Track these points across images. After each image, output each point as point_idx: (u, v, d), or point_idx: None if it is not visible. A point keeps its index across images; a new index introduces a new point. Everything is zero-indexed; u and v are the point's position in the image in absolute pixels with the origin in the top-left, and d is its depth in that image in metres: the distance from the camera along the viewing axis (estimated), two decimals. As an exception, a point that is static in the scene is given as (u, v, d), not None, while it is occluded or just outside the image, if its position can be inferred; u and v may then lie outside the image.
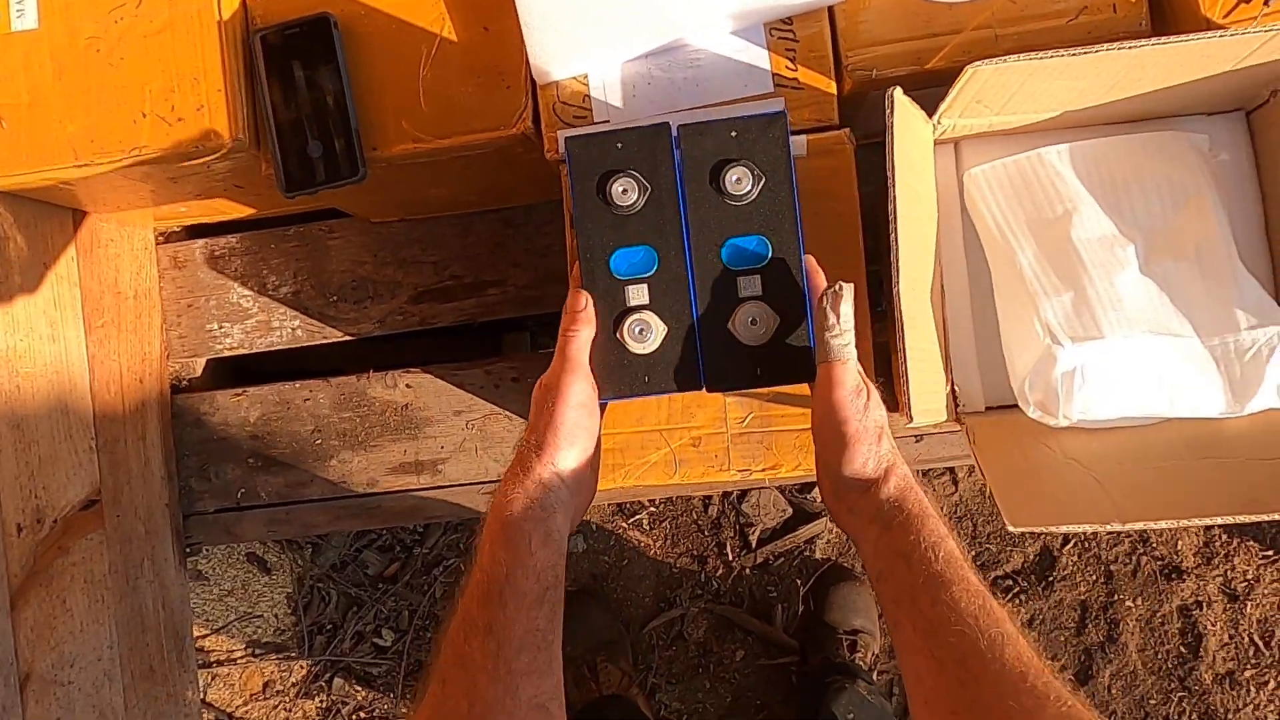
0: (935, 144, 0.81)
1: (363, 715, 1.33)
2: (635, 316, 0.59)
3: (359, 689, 1.33)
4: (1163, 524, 0.64)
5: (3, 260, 0.85)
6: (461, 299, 1.06)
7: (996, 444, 0.74)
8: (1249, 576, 1.28)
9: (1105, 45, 0.64)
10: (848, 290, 0.57)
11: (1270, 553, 1.29)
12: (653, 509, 1.36)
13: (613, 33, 0.77)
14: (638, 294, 0.60)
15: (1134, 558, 1.30)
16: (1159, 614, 1.29)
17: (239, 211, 1.03)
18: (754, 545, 1.35)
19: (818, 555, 1.34)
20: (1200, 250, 0.72)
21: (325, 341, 1.08)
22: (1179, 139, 0.76)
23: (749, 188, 0.59)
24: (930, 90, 0.75)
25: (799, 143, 0.79)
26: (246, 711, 1.32)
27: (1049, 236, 0.74)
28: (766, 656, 1.32)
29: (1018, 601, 1.31)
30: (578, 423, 0.57)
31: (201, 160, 0.82)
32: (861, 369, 0.58)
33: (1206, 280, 0.72)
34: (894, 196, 0.66)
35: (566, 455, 0.57)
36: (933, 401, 0.71)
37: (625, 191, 0.60)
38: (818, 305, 0.57)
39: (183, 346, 1.08)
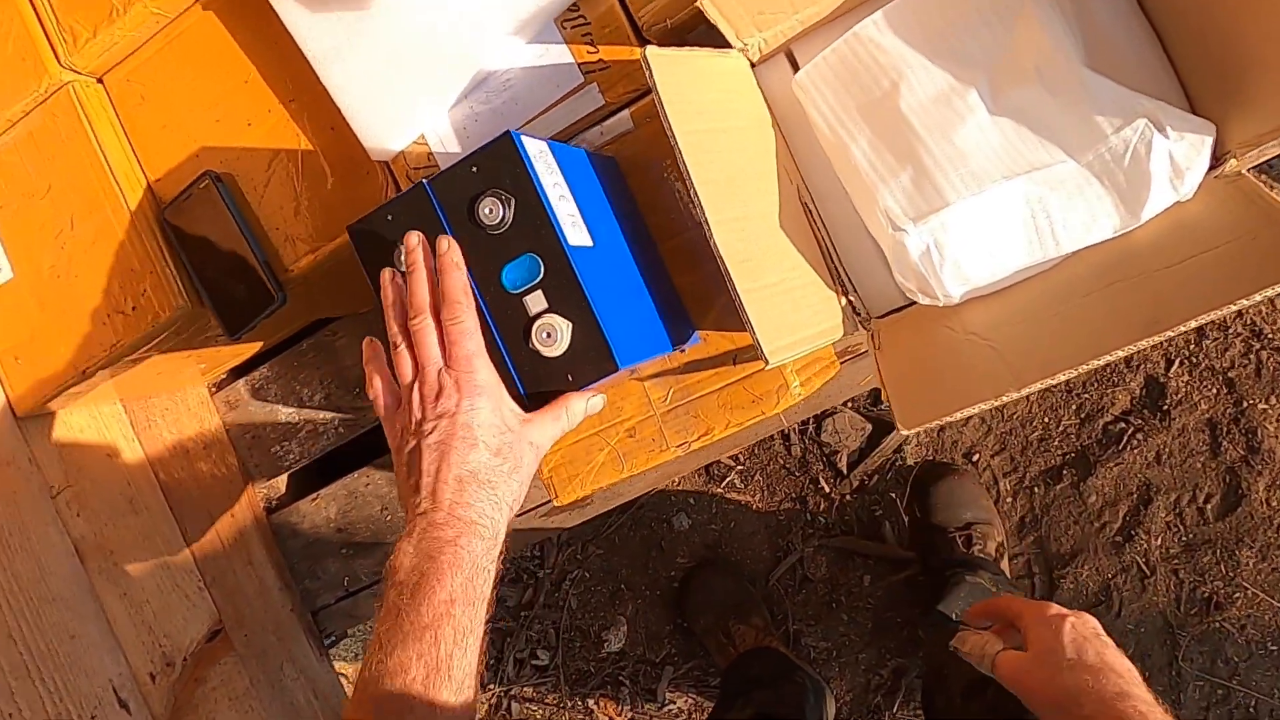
0: (760, 64, 0.78)
1: (546, 730, 1.44)
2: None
3: (534, 708, 1.44)
4: (1062, 376, 0.60)
5: (67, 467, 1.01)
6: (456, 352, 1.13)
7: (900, 341, 0.71)
8: (1396, 333, 1.12)
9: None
10: (958, 642, 0.71)
11: None
12: (740, 467, 1.38)
13: (424, 90, 0.81)
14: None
15: (1251, 356, 1.17)
16: (1300, 406, 1.15)
17: (250, 347, 1.16)
18: (845, 470, 1.33)
19: (909, 461, 1.30)
20: (1041, 68, 0.66)
21: (365, 430, 1.18)
22: (992, -44, 0.69)
23: (503, 214, 0.61)
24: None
25: (622, 119, 0.79)
26: (451, 753, 1.47)
27: (880, 118, 0.70)
28: (892, 574, 1.30)
29: (1137, 443, 1.21)
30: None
31: (164, 335, 0.93)
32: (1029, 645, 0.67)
33: (1057, 98, 0.65)
34: (679, 151, 0.65)
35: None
36: (806, 328, 0.69)
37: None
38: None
39: (260, 473, 1.22)
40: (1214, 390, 1.18)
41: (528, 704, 1.44)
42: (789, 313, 0.68)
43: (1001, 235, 0.66)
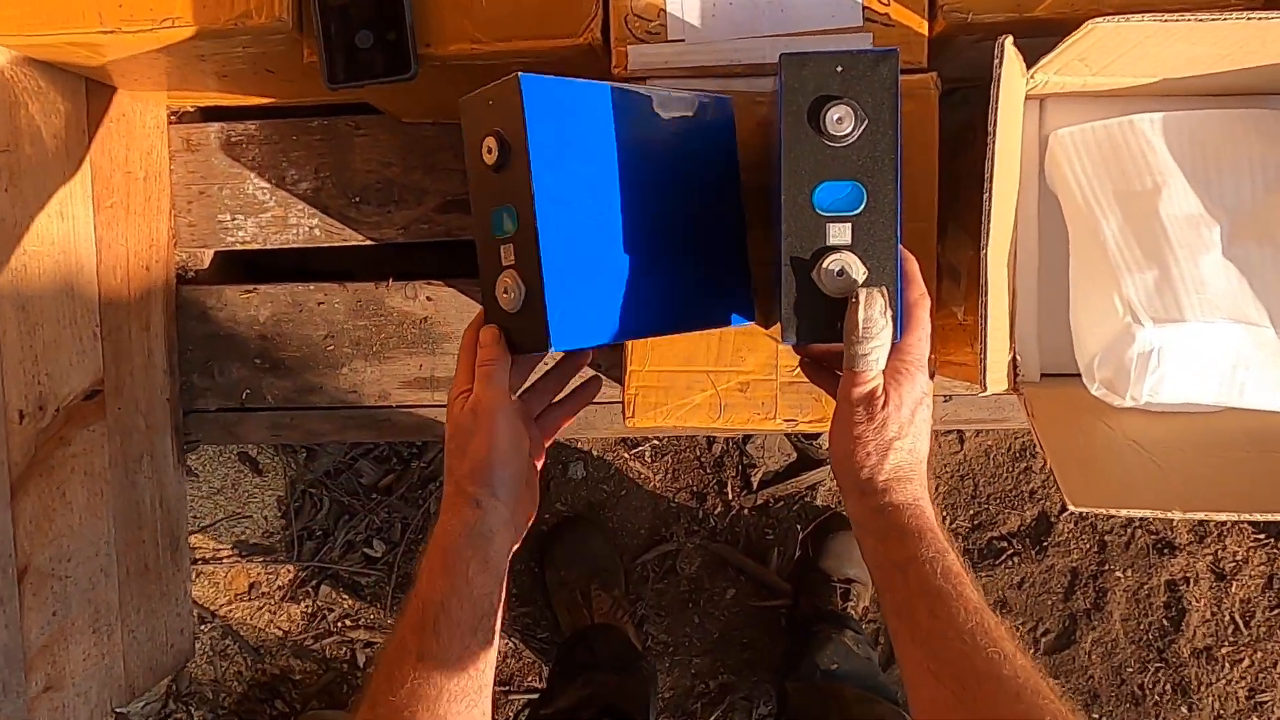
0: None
1: (348, 623, 1.31)
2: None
3: (346, 597, 1.31)
4: (1224, 516, 0.63)
5: (13, 128, 0.79)
6: (491, 212, 1.01)
7: (1055, 418, 0.72)
8: (1238, 557, 1.30)
9: (1237, 14, 0.60)
10: (865, 295, 0.55)
11: (1262, 536, 1.30)
12: (656, 442, 1.34)
13: (698, -57, 0.72)
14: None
15: (1129, 530, 1.31)
16: (1146, 587, 1.31)
17: (262, 97, 0.97)
18: (755, 487, 1.34)
19: (818, 502, 1.33)
20: (1288, 238, 0.70)
21: (345, 244, 1.03)
22: None
23: (849, 129, 0.55)
24: (1022, 42, 0.71)
25: (883, 84, 0.75)
26: (230, 611, 1.30)
27: (1135, 209, 0.71)
28: (757, 597, 1.32)
29: (1010, 564, 1.32)
30: (510, 446, 0.58)
31: (237, 39, 0.76)
32: (891, 381, 0.56)
33: (1289, 270, 0.70)
34: (993, 155, 0.63)
35: (501, 478, 0.57)
36: (999, 370, 0.68)
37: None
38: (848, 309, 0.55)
39: (192, 235, 1.03)
40: (1089, 545, 1.32)
41: (341, 590, 1.31)
42: (998, 349, 0.67)
43: (1205, 369, 0.69)
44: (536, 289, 0.56)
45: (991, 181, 0.62)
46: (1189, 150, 0.73)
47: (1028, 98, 0.77)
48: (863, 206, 0.56)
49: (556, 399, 0.67)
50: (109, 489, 0.91)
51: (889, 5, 0.74)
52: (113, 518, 0.91)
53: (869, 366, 0.55)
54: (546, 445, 0.66)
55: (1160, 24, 0.61)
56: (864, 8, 0.74)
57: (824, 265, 0.56)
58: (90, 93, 0.89)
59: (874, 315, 0.55)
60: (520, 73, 0.55)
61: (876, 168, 0.56)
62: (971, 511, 1.34)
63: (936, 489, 1.33)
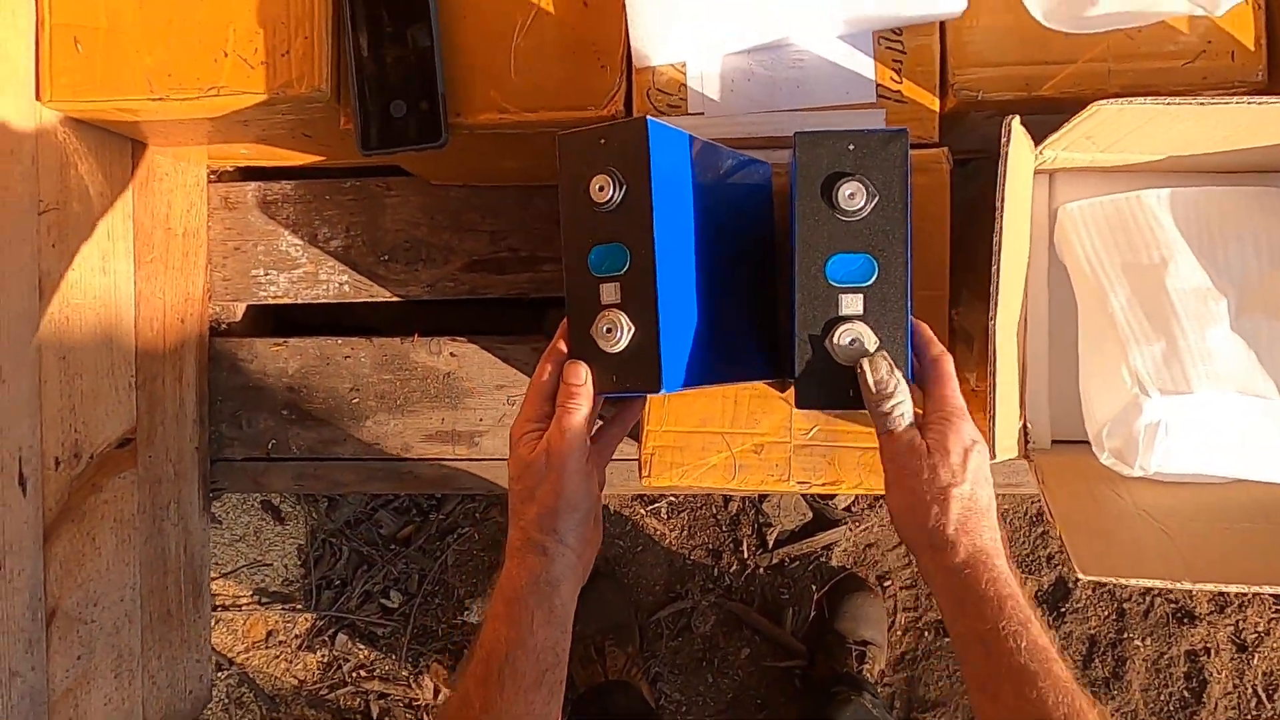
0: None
1: (364, 673, 1.32)
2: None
3: (362, 647, 1.32)
4: (1234, 588, 0.64)
5: (63, 187, 0.83)
6: (515, 272, 1.05)
7: (1065, 486, 0.73)
8: (1259, 629, 1.29)
9: (1237, 98, 0.62)
10: (868, 364, 0.57)
11: (1284, 607, 1.29)
12: (673, 499, 1.35)
13: (719, 22, 0.75)
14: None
15: (1148, 598, 1.30)
16: (1166, 656, 1.29)
17: (299, 159, 1.01)
18: (771, 546, 1.34)
19: (834, 562, 1.33)
20: (1295, 311, 0.71)
21: (372, 300, 1.06)
22: (1283, 196, 0.74)
23: (861, 204, 0.58)
24: (1032, 118, 0.73)
25: (896, 158, 0.77)
26: (247, 658, 1.32)
27: (1143, 282, 0.73)
28: (772, 658, 1.32)
29: (1027, 629, 1.31)
30: (581, 490, 0.57)
31: (278, 107, 0.80)
32: (930, 431, 0.57)
33: (1297, 343, 0.71)
34: (1000, 229, 0.65)
35: (569, 524, 0.56)
36: (1009, 437, 0.69)
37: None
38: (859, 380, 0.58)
39: (226, 289, 1.06)
40: (1107, 612, 1.31)
41: (358, 640, 1.32)
42: (1005, 418, 0.68)
43: (1214, 440, 0.69)
44: (650, 328, 0.56)
45: (999, 255, 0.64)
46: (1195, 225, 0.75)
47: (1038, 172, 0.80)
48: (874, 278, 0.58)
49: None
50: (137, 535, 0.93)
51: (902, 82, 0.77)
52: (139, 564, 0.93)
53: (898, 423, 0.57)
54: (604, 466, 0.65)
55: (1163, 107, 0.63)
56: (877, 85, 0.77)
57: (836, 335, 0.58)
58: (135, 153, 0.94)
59: (883, 376, 0.57)
60: (647, 117, 0.56)
61: (888, 241, 0.58)
62: (988, 575, 1.33)
63: (953, 552, 1.33)
